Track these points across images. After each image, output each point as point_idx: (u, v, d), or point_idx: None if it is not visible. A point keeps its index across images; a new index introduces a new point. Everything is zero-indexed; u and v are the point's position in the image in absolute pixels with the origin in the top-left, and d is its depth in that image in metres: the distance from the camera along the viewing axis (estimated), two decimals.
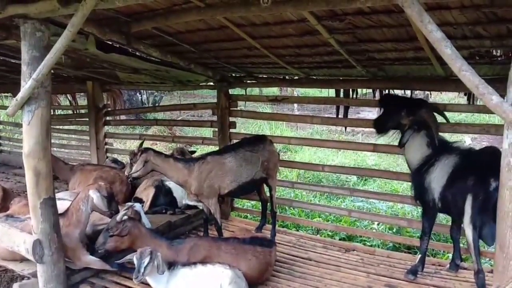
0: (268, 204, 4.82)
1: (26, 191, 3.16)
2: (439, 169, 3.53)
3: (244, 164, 4.27)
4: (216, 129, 5.50)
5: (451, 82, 3.91)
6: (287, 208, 6.35)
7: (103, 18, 3.41)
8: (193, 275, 3.17)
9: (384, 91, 4.64)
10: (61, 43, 2.69)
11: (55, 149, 7.96)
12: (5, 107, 8.63)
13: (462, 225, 3.57)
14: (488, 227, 3.19)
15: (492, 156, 3.29)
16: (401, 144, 3.83)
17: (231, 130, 5.47)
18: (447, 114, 4.03)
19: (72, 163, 6.30)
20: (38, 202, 3.06)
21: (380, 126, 3.91)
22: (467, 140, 10.45)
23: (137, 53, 4.61)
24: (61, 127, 8.42)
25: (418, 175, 3.68)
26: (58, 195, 3.82)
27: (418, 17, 1.99)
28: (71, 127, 8.65)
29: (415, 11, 1.99)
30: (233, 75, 5.41)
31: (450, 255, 4.10)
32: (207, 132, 10.41)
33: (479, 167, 3.28)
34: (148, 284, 3.20)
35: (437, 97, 10.93)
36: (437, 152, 3.62)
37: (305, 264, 4.13)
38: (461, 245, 3.96)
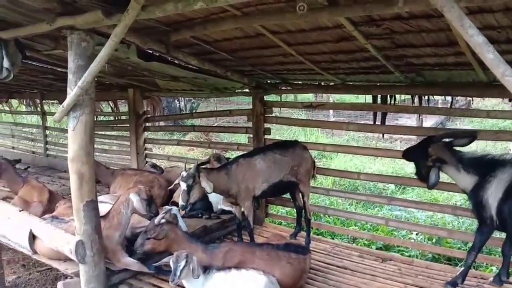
0: (302, 211, 4.79)
1: (70, 194, 3.28)
2: (495, 184, 3.43)
3: (272, 166, 4.33)
4: (251, 135, 5.55)
5: (494, 87, 3.76)
6: (321, 215, 6.28)
7: (144, 28, 3.53)
8: (227, 280, 3.19)
9: (423, 97, 4.53)
10: (104, 52, 2.81)
11: (97, 154, 8.22)
12: (52, 114, 9.05)
13: None
14: None
15: None
16: (430, 186, 3.79)
17: (266, 136, 5.49)
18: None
19: (113, 167, 6.53)
20: (81, 204, 3.17)
21: (420, 177, 3.92)
22: None
23: (176, 61, 4.72)
24: (103, 133, 8.71)
25: (475, 194, 3.58)
26: (99, 198, 3.95)
27: (458, 21, 1.93)
28: (113, 133, 8.95)
29: (455, 16, 1.93)
30: (268, 82, 5.44)
31: (494, 268, 3.92)
32: (242, 138, 10.46)
33: None
34: (183, 287, 3.25)
35: (479, 103, 10.49)
36: (485, 170, 3.51)
37: (340, 272, 4.08)
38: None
